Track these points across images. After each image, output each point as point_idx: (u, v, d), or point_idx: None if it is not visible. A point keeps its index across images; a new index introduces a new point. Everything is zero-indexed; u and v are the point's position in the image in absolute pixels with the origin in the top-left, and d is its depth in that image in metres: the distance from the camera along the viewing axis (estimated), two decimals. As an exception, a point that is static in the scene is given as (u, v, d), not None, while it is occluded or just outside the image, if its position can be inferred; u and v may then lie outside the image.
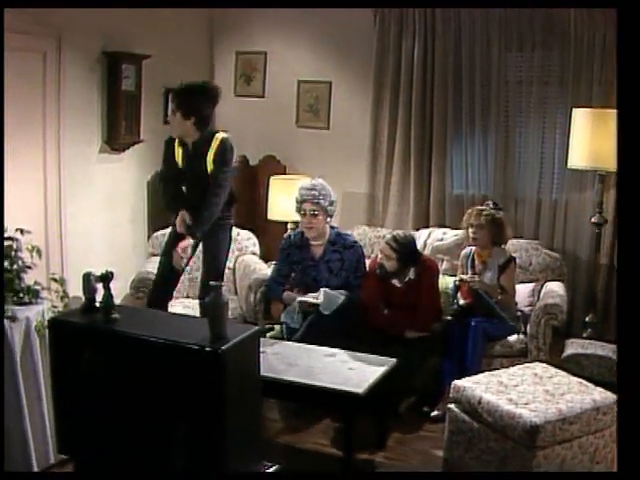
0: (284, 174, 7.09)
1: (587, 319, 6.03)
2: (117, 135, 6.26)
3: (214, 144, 4.95)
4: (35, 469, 4.01)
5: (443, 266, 6.03)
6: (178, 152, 5.09)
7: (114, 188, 6.37)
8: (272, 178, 6.72)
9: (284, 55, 7.26)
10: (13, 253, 4.13)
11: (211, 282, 3.55)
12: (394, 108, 6.75)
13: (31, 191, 5.64)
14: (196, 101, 4.91)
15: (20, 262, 4.15)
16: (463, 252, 5.70)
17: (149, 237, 6.52)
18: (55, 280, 4.36)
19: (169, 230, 5.33)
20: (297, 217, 5.76)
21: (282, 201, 6.46)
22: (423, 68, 6.59)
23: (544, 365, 4.63)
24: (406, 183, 6.80)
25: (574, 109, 5.83)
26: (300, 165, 7.17)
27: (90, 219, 6.16)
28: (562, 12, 6.10)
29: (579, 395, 4.11)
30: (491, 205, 5.56)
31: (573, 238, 6.42)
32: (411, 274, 5.37)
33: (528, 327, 5.40)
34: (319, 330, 5.20)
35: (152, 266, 5.66)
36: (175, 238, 5.17)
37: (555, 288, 5.73)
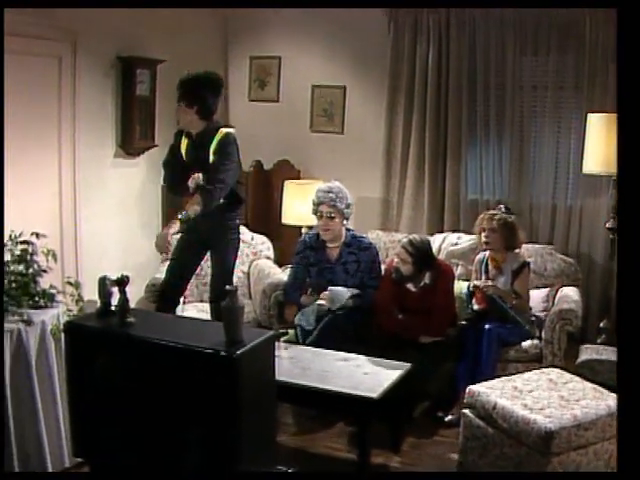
0: (298, 179, 7.10)
1: (602, 325, 6.00)
2: (132, 139, 6.28)
3: (217, 136, 5.03)
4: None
5: (458, 271, 6.01)
6: (184, 143, 5.18)
7: (128, 192, 6.39)
8: (286, 182, 6.72)
9: (298, 60, 7.27)
10: (29, 257, 4.16)
11: (227, 286, 3.56)
12: (408, 113, 6.74)
13: (46, 195, 5.66)
14: (199, 90, 5.02)
15: (36, 266, 4.18)
16: (477, 257, 5.70)
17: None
18: (70, 284, 4.39)
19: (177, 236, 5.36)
20: (311, 221, 5.77)
21: (296, 205, 6.47)
22: (437, 72, 6.58)
23: (559, 370, 4.62)
24: (420, 188, 6.78)
25: (589, 114, 5.80)
26: (314, 170, 7.18)
27: (105, 223, 6.18)
28: (577, 16, 6.07)
29: (594, 401, 4.09)
30: (503, 209, 5.56)
31: (588, 243, 6.39)
32: (426, 279, 5.36)
33: (543, 332, 5.39)
34: (333, 333, 5.22)
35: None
36: (184, 243, 5.23)
37: (570, 293, 5.70)
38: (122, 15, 5.87)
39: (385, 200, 6.97)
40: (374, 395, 4.23)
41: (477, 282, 5.47)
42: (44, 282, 4.23)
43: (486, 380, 4.54)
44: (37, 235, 4.24)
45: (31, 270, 4.15)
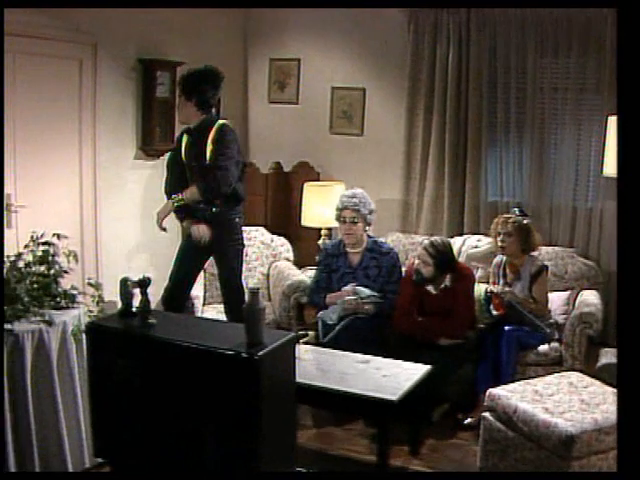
0: (318, 180, 7.10)
1: (622, 328, 5.96)
2: (152, 141, 6.32)
3: (215, 126, 5.10)
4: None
5: (478, 274, 5.99)
6: (184, 142, 5.25)
7: (148, 194, 6.40)
8: (306, 184, 6.72)
9: (318, 62, 7.28)
10: (50, 258, 4.19)
11: (249, 286, 3.57)
12: (428, 114, 6.73)
13: (67, 196, 5.70)
14: (197, 83, 5.10)
15: (57, 267, 4.21)
16: (495, 261, 5.67)
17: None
18: (91, 285, 4.42)
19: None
20: (331, 223, 5.77)
21: (316, 207, 6.47)
22: (458, 74, 6.57)
23: (579, 374, 4.59)
24: (440, 190, 6.76)
25: (610, 117, 5.76)
26: (334, 171, 7.18)
27: (125, 224, 6.21)
28: (598, 17, 6.02)
29: (614, 405, 4.06)
30: (517, 212, 5.54)
31: (608, 246, 6.33)
32: (447, 281, 5.34)
33: (563, 336, 5.36)
34: (352, 333, 5.24)
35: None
36: (185, 247, 5.26)
37: (590, 297, 5.67)
38: (142, 18, 5.93)
39: (405, 202, 6.96)
40: (394, 398, 4.21)
41: (494, 288, 5.44)
42: (65, 283, 4.26)
43: (505, 382, 4.53)
44: (58, 236, 4.28)
45: (52, 271, 4.17)
